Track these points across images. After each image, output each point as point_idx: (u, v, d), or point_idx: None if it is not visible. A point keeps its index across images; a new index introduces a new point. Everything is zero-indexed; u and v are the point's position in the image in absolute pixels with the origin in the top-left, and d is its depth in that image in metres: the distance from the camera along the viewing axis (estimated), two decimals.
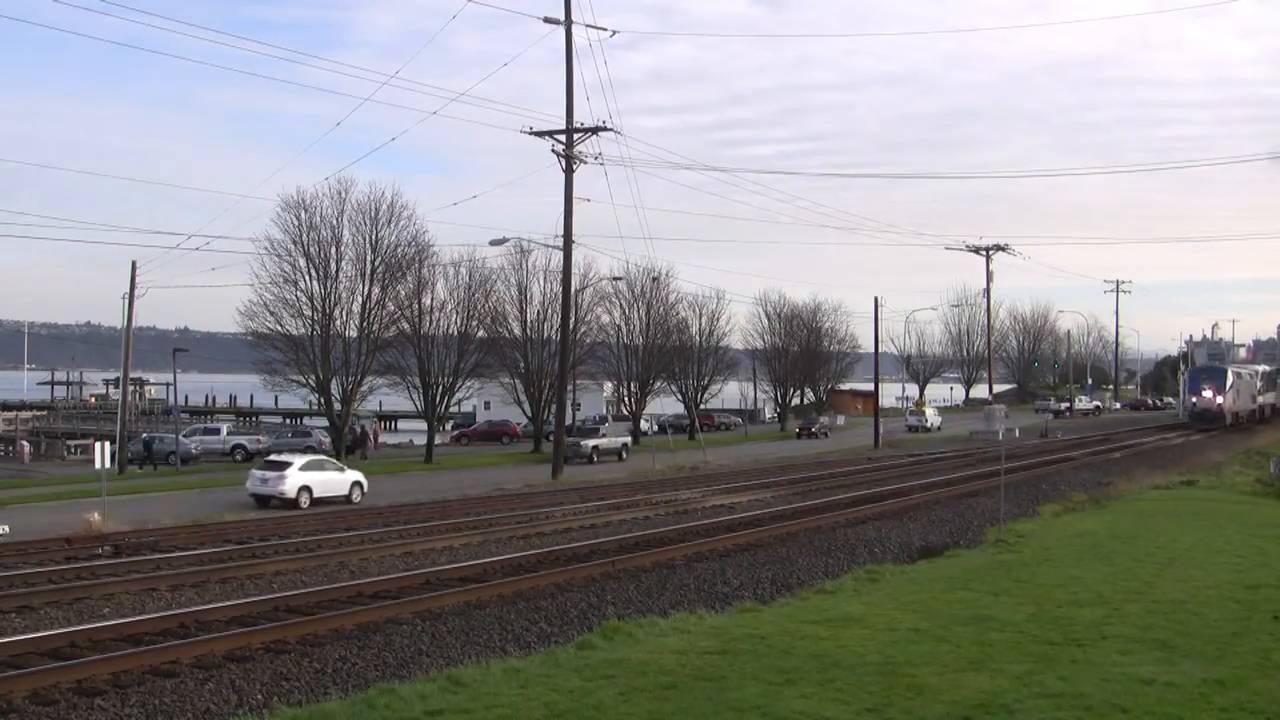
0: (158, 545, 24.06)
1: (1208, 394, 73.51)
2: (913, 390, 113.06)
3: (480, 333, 63.13)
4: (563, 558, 21.67)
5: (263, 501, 35.65)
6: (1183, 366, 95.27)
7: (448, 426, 76.67)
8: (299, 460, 37.51)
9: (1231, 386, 74.88)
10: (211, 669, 13.19)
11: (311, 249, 53.02)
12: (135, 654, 13.58)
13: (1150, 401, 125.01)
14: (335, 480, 37.25)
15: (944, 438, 73.58)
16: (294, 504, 35.06)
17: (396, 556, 22.64)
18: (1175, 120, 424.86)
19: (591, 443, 58.91)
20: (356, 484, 37.64)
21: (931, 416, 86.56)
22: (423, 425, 64.07)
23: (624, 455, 59.96)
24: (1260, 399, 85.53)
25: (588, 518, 29.18)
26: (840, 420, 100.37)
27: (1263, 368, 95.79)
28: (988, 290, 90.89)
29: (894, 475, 42.55)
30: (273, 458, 39.88)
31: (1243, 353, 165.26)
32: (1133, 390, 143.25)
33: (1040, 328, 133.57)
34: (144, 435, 61.30)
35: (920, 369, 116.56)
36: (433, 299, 59.45)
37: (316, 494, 36.03)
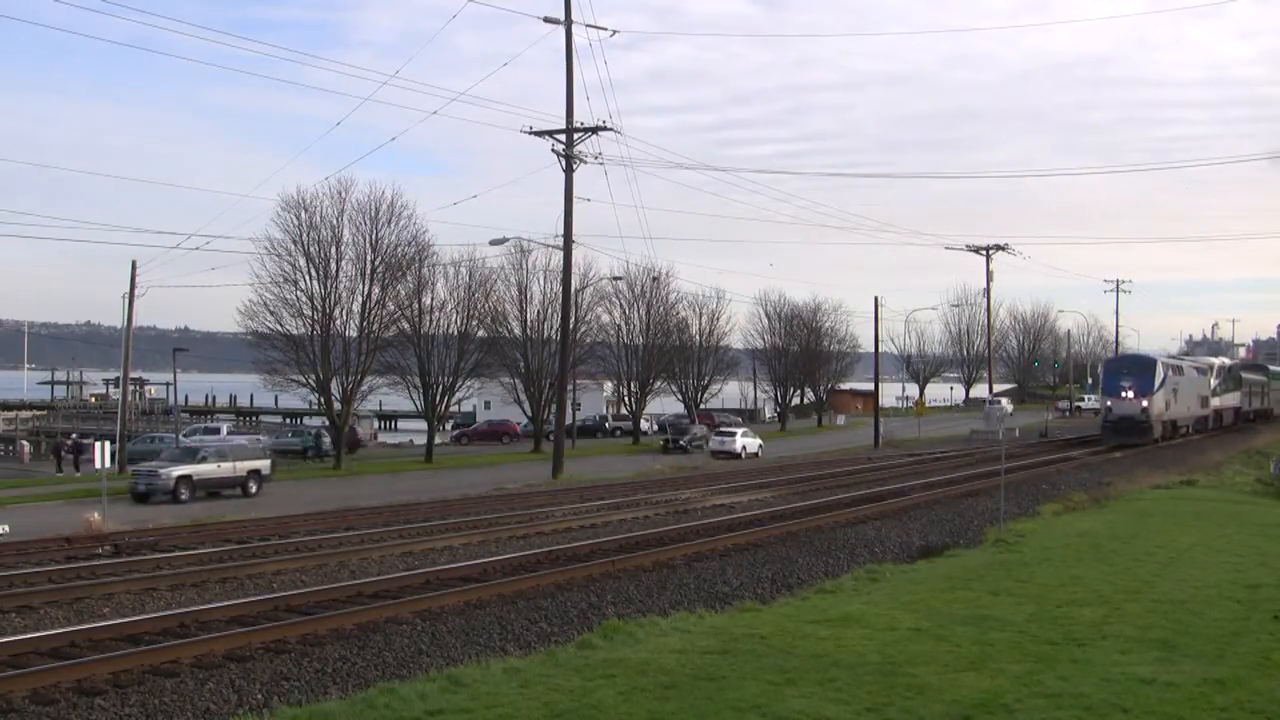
0: (157, 545, 24.07)
1: (1128, 396, 54.15)
2: (913, 390, 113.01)
3: (480, 332, 63.18)
4: (563, 557, 21.65)
5: (718, 455, 58.30)
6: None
7: (448, 426, 76.69)
8: (740, 430, 63.98)
9: (1163, 385, 55.41)
10: (211, 669, 13.18)
11: (311, 249, 53.06)
12: (135, 654, 13.57)
13: None
14: (754, 443, 61.62)
15: (944, 438, 73.57)
16: (738, 456, 58.39)
17: (396, 556, 22.63)
18: (1175, 120, 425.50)
19: (178, 471, 36.50)
20: (761, 445, 61.65)
21: (1006, 404, 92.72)
22: (423, 425, 64.10)
23: (255, 487, 38.73)
24: (1215, 401, 67.46)
25: (588, 517, 29.16)
26: (841, 420, 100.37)
27: (1219, 361, 76.16)
28: (988, 290, 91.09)
29: (894, 475, 42.54)
30: (723, 428, 66.27)
31: (1243, 352, 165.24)
32: None
33: (1040, 327, 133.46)
34: (73, 435, 58.49)
35: (920, 369, 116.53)
36: (433, 299, 59.52)
37: (749, 451, 59.82)
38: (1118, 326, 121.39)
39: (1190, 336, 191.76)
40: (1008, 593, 15.63)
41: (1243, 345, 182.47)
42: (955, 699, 10.00)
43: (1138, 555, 19.39)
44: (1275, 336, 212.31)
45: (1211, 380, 67.21)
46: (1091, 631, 12.93)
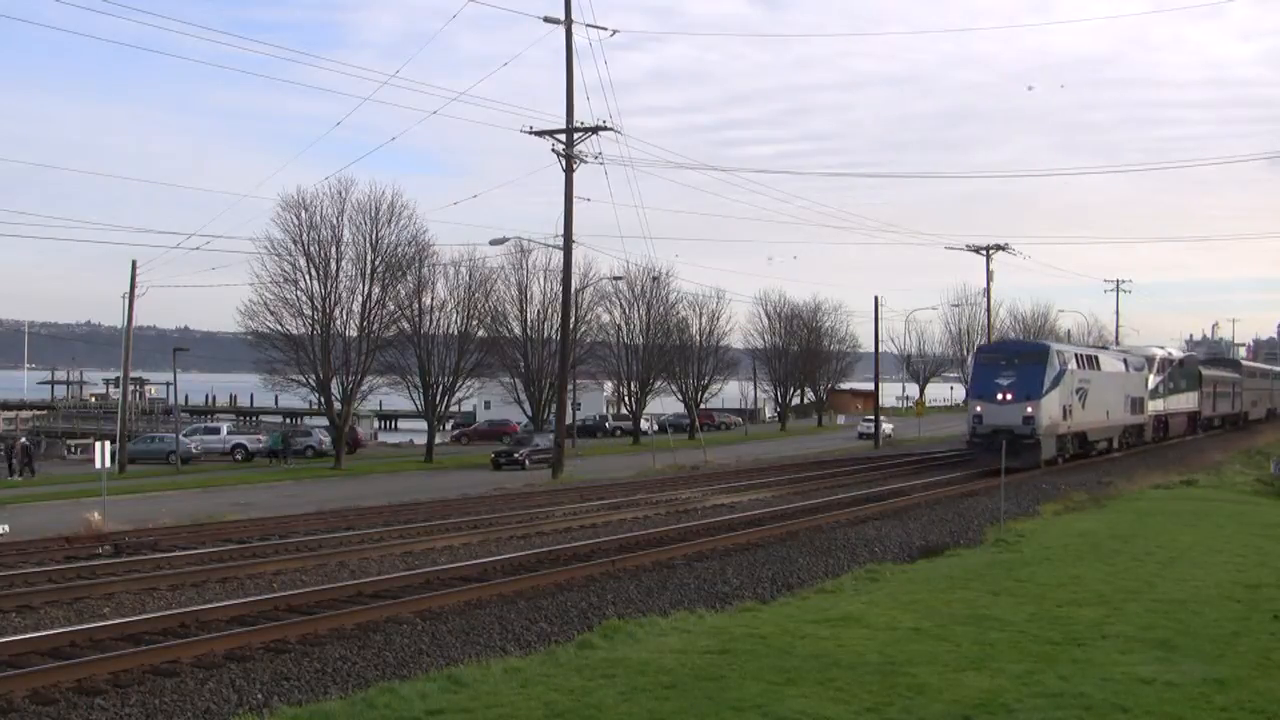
0: (158, 545, 24.07)
1: (1005, 399, 40.04)
2: (913, 390, 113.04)
3: (480, 332, 63.27)
4: (563, 557, 21.66)
5: (864, 437, 73.16)
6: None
7: (448, 426, 76.75)
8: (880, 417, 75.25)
9: (1059, 383, 40.73)
10: (212, 668, 13.18)
11: (312, 248, 53.20)
12: (135, 653, 13.56)
13: None
14: (888, 427, 72.80)
15: (944, 437, 73.53)
16: (877, 441, 69.36)
17: (396, 556, 22.63)
18: (1175, 120, 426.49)
19: None
20: (894, 428, 74.70)
21: None
22: (423, 425, 64.15)
23: None
24: (1156, 405, 53.92)
25: (588, 517, 29.16)
26: (841, 420, 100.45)
27: (1163, 352, 59.10)
28: (988, 290, 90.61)
29: (894, 475, 42.51)
30: (868, 418, 77.78)
31: (1243, 352, 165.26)
32: None
33: (1040, 327, 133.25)
34: (23, 438, 55.37)
35: (920, 368, 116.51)
36: (433, 298, 59.68)
37: (885, 434, 71.40)
38: (1118, 326, 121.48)
39: (1190, 336, 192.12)
40: (1008, 592, 15.63)
41: (1243, 345, 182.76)
42: (955, 699, 10.00)
43: (1138, 555, 19.39)
44: (1275, 336, 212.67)
45: (1150, 377, 53.07)
46: (1091, 631, 12.93)
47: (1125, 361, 51.18)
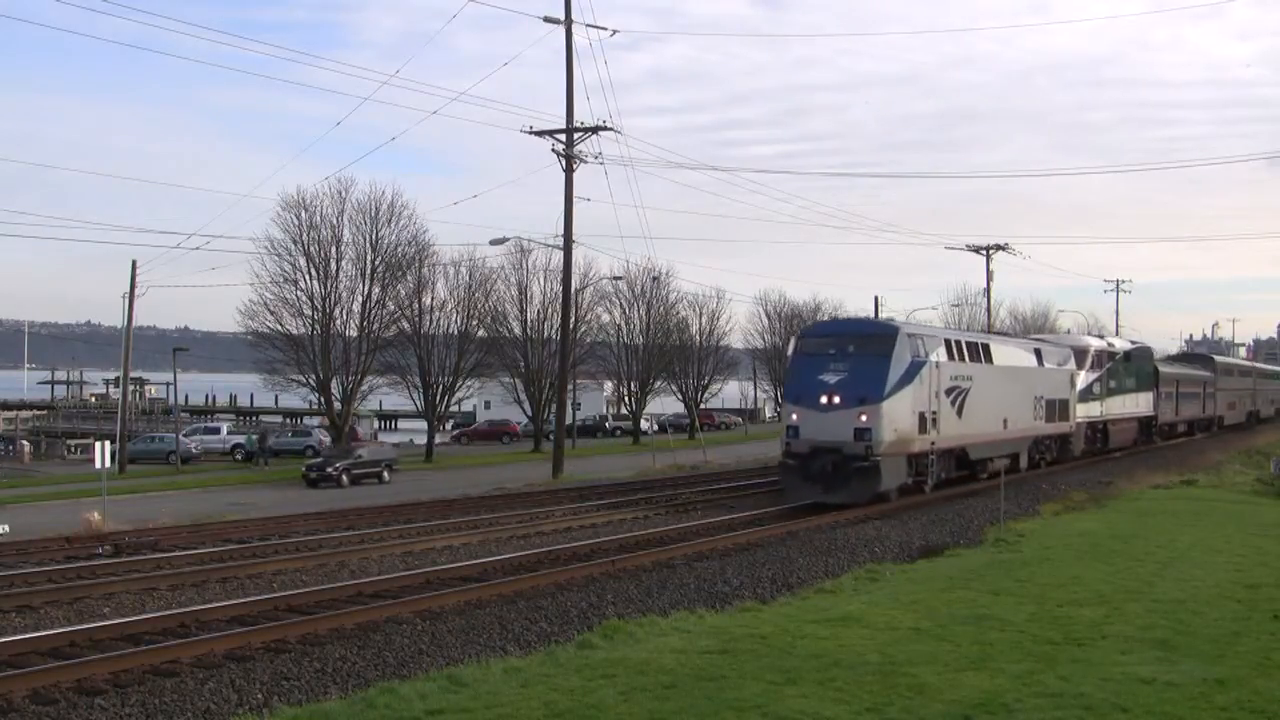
0: (158, 545, 24.08)
1: (831, 402, 28.34)
2: None
3: (480, 332, 63.33)
4: (563, 557, 21.66)
5: None
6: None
7: (448, 426, 76.82)
8: None
9: (910, 381, 28.91)
10: (211, 668, 13.18)
11: (312, 248, 53.25)
12: (135, 653, 13.57)
13: None
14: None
15: None
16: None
17: (396, 556, 22.63)
18: (1175, 120, 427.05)
19: None
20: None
21: None
22: (423, 425, 64.20)
23: None
24: (1091, 409, 43.51)
25: (588, 517, 29.15)
26: None
27: (1099, 343, 47.16)
28: (988, 290, 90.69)
29: None
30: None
31: (1243, 352, 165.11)
32: None
33: (1040, 327, 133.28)
34: None
35: None
36: (433, 298, 59.73)
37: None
38: (1118, 326, 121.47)
39: (1190, 336, 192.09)
40: (1008, 592, 15.63)
41: (1243, 345, 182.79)
42: (955, 699, 10.00)
43: (1138, 555, 19.40)
44: (1275, 336, 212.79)
45: (1081, 374, 42.15)
46: (1091, 631, 12.94)
47: (1038, 353, 39.35)
